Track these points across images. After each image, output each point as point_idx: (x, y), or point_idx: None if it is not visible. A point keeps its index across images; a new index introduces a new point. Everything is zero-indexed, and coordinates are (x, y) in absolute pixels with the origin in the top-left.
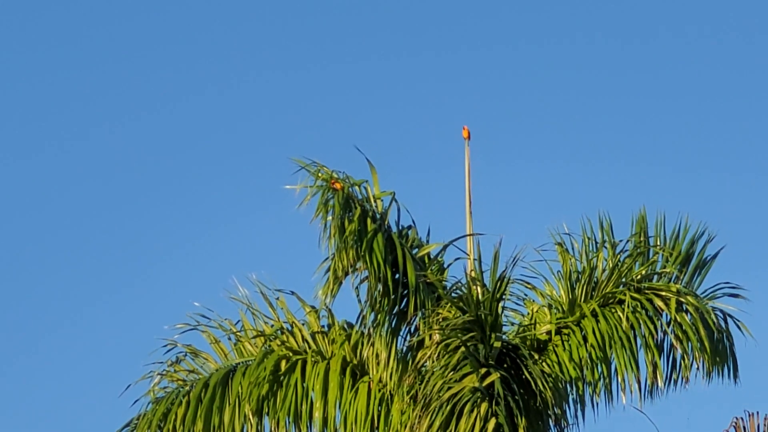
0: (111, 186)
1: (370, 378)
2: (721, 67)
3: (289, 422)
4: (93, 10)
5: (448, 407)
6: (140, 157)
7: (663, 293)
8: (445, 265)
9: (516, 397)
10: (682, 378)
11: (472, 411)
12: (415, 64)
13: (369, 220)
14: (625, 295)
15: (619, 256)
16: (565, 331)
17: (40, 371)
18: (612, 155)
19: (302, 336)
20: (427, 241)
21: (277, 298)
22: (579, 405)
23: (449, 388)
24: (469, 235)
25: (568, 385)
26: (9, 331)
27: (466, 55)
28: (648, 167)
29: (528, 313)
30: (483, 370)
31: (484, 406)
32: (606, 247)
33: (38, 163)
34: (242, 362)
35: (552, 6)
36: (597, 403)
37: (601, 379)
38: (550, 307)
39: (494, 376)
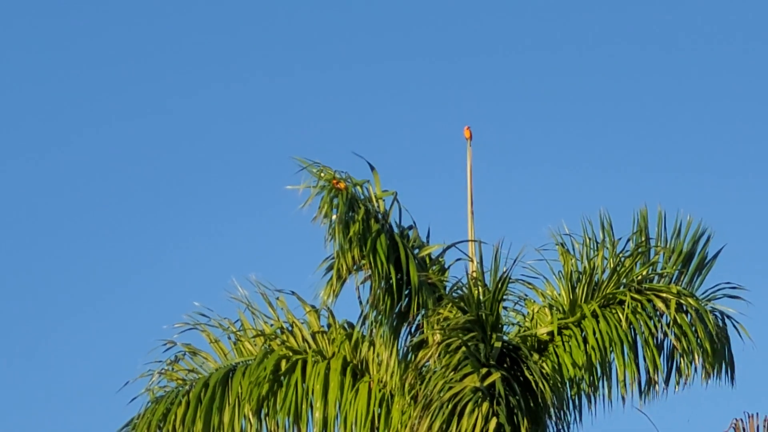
0: (110, 185)
1: (370, 378)
2: (719, 69)
3: (289, 422)
4: (91, 11)
5: (449, 407)
6: (141, 157)
7: (663, 294)
8: (446, 266)
9: (517, 397)
10: (682, 379)
11: (473, 411)
12: (417, 65)
13: (372, 220)
14: (625, 295)
15: (619, 256)
16: (566, 331)
17: (38, 370)
18: (613, 156)
19: (302, 336)
20: (428, 242)
21: (277, 298)
22: (579, 405)
23: (450, 387)
24: (472, 240)
25: (568, 385)
26: (7, 329)
27: (468, 57)
28: (649, 168)
29: (529, 314)
30: (484, 370)
31: (485, 405)
32: (606, 247)
33: (37, 163)
34: (242, 362)
35: (554, 11)
36: (597, 403)
37: (602, 380)
38: (550, 307)
39: (495, 376)
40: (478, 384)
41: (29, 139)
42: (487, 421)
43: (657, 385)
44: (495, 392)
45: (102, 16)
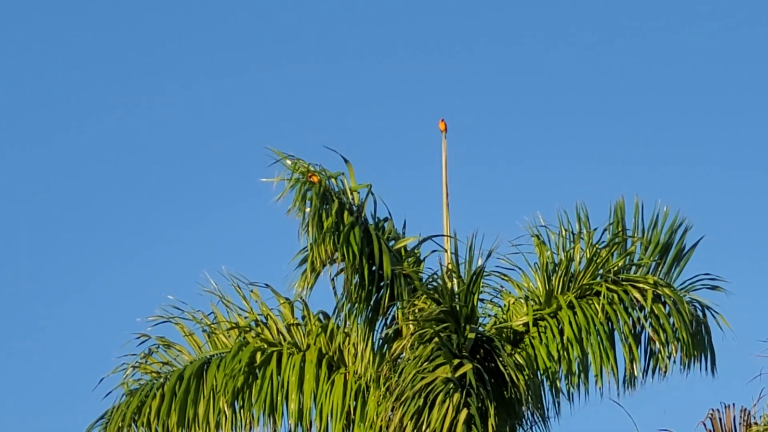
0: (83, 180)
1: (346, 370)
2: (694, 61)
3: (264, 414)
4: (62, 8)
5: (421, 397)
6: (114, 152)
7: (640, 285)
8: (422, 257)
9: (488, 389)
10: (659, 370)
11: (444, 401)
12: (392, 58)
13: (346, 213)
14: (601, 286)
15: (596, 246)
16: (542, 323)
17: (11, 366)
18: (590, 148)
19: (277, 328)
20: (404, 234)
21: (251, 291)
22: (555, 397)
23: (422, 378)
24: (447, 235)
25: (544, 377)
26: None
27: (443, 50)
28: (627, 160)
29: (505, 306)
30: (456, 361)
31: (456, 396)
32: (583, 238)
33: (11, 159)
34: (217, 354)
35: (529, 5)
36: (573, 395)
37: (578, 371)
38: (526, 299)
39: (467, 367)
40: (449, 375)
41: (6, 137)
42: (457, 411)
43: (634, 377)
44: (467, 383)
45: (72, 13)
